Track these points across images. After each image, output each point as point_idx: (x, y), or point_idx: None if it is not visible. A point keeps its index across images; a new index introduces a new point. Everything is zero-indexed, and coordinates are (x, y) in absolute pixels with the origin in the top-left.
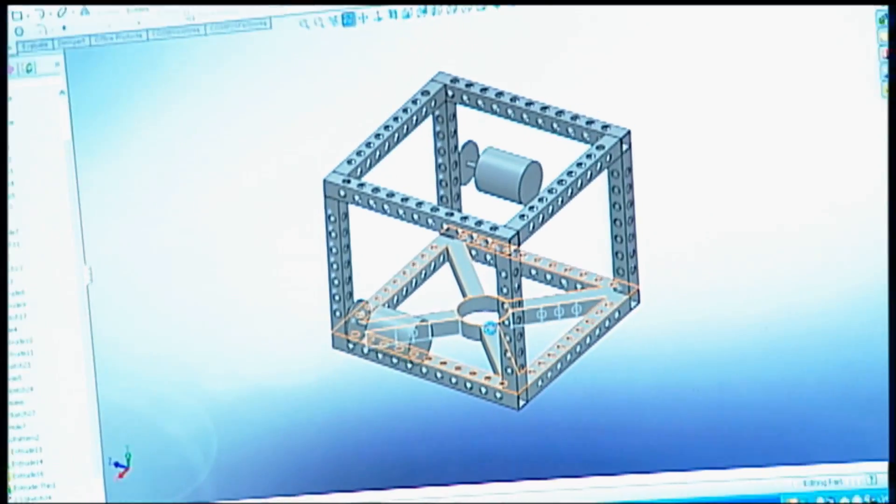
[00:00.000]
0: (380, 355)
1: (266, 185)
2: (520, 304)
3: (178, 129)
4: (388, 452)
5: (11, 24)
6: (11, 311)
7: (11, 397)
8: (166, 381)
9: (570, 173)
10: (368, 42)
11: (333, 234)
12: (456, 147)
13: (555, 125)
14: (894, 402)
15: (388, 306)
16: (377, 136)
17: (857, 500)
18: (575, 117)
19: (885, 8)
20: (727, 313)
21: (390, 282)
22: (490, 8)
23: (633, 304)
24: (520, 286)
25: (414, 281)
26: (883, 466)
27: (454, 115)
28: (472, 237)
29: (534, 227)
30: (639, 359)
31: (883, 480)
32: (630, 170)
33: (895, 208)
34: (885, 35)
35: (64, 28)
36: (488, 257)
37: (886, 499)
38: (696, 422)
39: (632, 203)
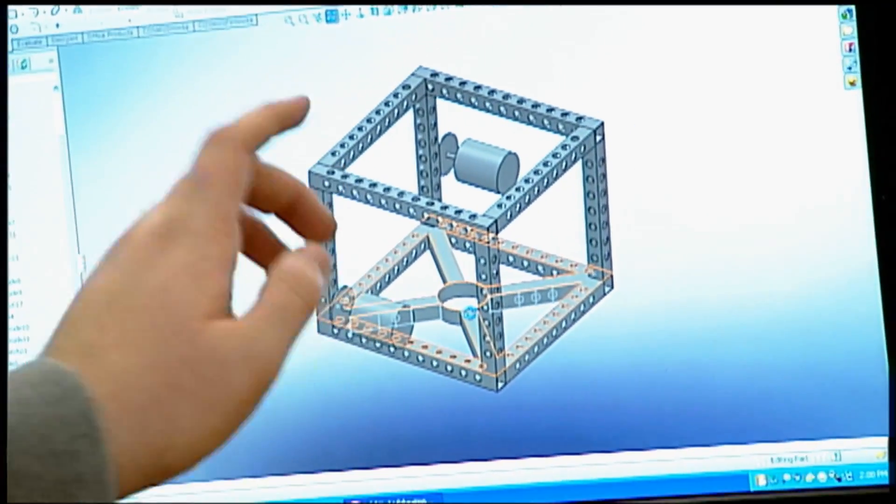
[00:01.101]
0: (363, 339)
1: None
2: (498, 289)
3: (167, 123)
4: (372, 433)
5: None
6: (8, 299)
7: None
8: None
9: (545, 163)
10: (351, 38)
11: None
12: (436, 139)
13: (531, 117)
14: (895, 377)
15: (372, 292)
16: (360, 128)
17: (821, 475)
18: (550, 109)
19: (847, 4)
20: (697, 298)
21: (373, 269)
22: (469, 5)
23: (606, 289)
24: (498, 272)
25: (396, 268)
26: (848, 444)
27: (434, 108)
28: (451, 225)
29: (511, 216)
30: (612, 341)
31: (848, 457)
32: (603, 160)
33: (877, 201)
34: (847, 28)
35: (57, 26)
36: (467, 245)
37: (886, 473)
38: (668, 402)
39: (605, 192)
